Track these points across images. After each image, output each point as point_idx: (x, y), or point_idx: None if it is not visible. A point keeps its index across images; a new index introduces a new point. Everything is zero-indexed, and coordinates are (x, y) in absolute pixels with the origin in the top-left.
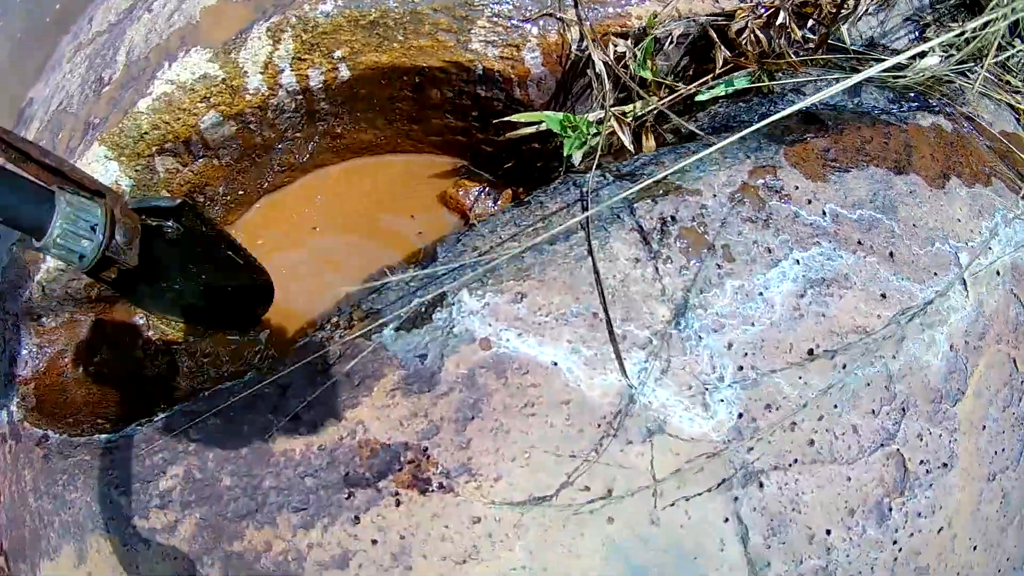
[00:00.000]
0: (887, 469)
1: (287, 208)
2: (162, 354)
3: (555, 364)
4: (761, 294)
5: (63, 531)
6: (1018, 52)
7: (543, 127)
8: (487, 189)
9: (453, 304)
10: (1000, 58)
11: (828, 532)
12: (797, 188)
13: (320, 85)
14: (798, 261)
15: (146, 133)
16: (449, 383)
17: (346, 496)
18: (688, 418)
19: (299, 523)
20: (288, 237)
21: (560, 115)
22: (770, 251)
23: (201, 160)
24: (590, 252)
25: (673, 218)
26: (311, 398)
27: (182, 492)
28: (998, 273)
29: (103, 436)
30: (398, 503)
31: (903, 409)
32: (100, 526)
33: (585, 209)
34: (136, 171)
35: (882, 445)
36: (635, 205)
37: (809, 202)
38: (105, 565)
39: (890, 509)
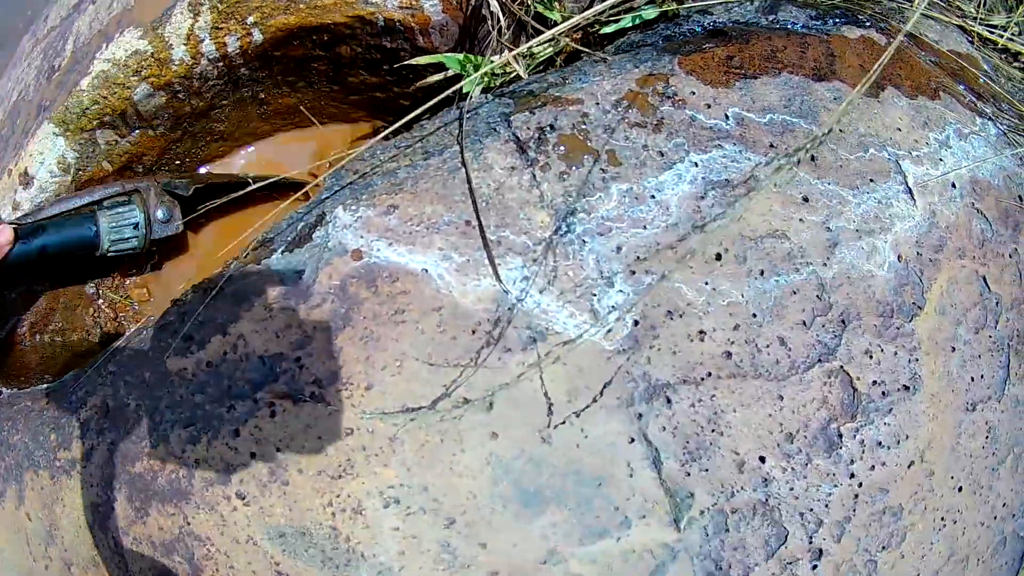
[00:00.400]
0: (830, 389)
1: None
2: (110, 320)
3: (425, 271)
4: (653, 196)
5: (7, 475)
6: None
7: (449, 73)
8: None
9: (329, 222)
10: None
11: (762, 459)
12: (694, 94)
13: (237, 51)
14: (696, 164)
15: (87, 108)
16: (322, 295)
17: (227, 409)
18: (574, 325)
19: (187, 438)
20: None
21: (460, 56)
22: (662, 154)
23: (137, 131)
24: (463, 162)
25: (552, 127)
26: (197, 317)
27: (98, 421)
28: (953, 185)
29: (44, 385)
30: (272, 414)
31: (843, 321)
32: (34, 463)
33: (461, 125)
34: (80, 144)
35: (820, 361)
36: (512, 117)
37: (708, 107)
38: (38, 500)
39: (840, 435)
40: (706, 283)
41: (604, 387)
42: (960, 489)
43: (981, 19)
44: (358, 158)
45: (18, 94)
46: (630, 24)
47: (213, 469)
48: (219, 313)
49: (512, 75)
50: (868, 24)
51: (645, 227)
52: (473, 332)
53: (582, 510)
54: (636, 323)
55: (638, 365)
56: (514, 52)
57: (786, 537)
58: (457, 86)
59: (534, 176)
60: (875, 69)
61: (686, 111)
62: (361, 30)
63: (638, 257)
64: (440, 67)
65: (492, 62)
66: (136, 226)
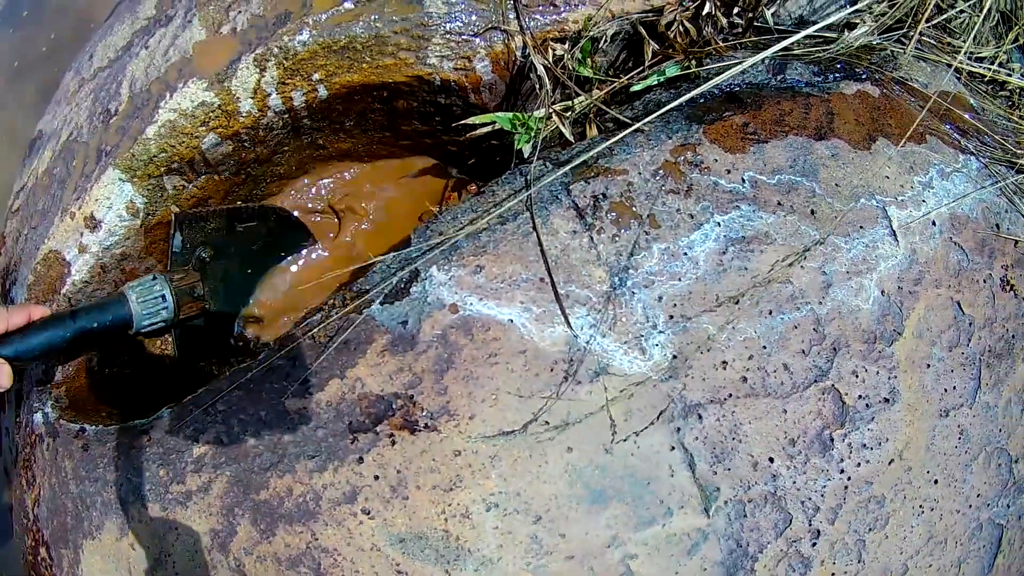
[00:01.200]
0: (823, 403)
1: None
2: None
3: (511, 321)
4: (686, 254)
5: (105, 509)
6: (960, 13)
7: (496, 126)
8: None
9: (425, 279)
10: (939, 19)
11: (771, 460)
12: (716, 160)
13: (302, 104)
14: (719, 223)
15: (154, 156)
16: (426, 342)
17: (351, 441)
18: (628, 360)
19: (314, 468)
20: None
21: (510, 115)
22: (692, 216)
23: (203, 176)
24: (534, 228)
25: (604, 195)
26: (316, 364)
27: (213, 456)
28: (933, 223)
29: (138, 421)
30: (393, 443)
31: (834, 348)
32: (140, 497)
33: (529, 197)
34: (148, 190)
35: (815, 381)
36: (571, 187)
37: (728, 172)
38: (145, 531)
39: (831, 439)
40: (727, 323)
41: (651, 408)
42: (936, 482)
43: (972, 52)
44: (441, 221)
45: (69, 134)
46: (655, 83)
47: (340, 491)
48: (333, 360)
49: (555, 128)
50: (864, 77)
51: (680, 279)
52: (551, 370)
53: (636, 504)
54: (674, 357)
55: (676, 390)
56: (556, 109)
57: (791, 521)
58: (503, 136)
59: (591, 239)
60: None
61: (710, 177)
62: (419, 88)
63: (674, 304)
64: (471, 126)
65: (539, 120)
66: (164, 298)
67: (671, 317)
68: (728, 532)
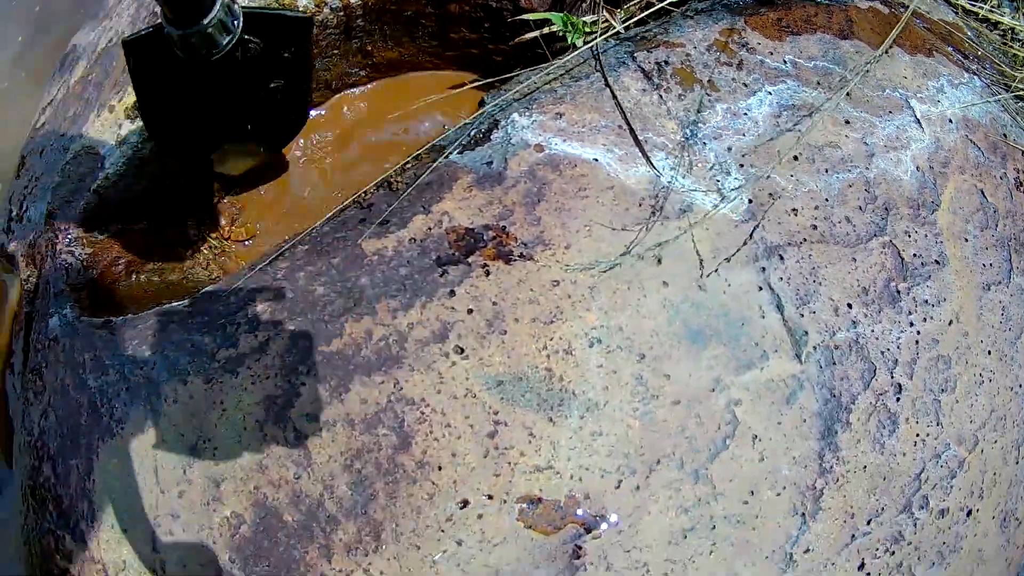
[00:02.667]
0: (885, 256)
1: (324, 121)
2: (211, 262)
3: (596, 160)
4: (746, 114)
5: (131, 397)
6: None
7: (545, 30)
8: None
9: (507, 125)
10: None
11: (849, 306)
12: (759, 44)
13: (359, 2)
14: (770, 93)
15: None
16: (514, 177)
17: (440, 275)
18: (710, 201)
19: (398, 306)
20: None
21: (562, 14)
22: (746, 85)
23: None
24: (606, 83)
25: (666, 62)
26: (396, 204)
27: (272, 313)
28: (950, 120)
29: (178, 302)
30: (487, 273)
31: (886, 208)
32: (178, 373)
33: (596, 58)
34: None
35: (875, 235)
36: (635, 55)
37: (771, 53)
38: (183, 413)
39: (898, 291)
40: (791, 175)
41: (736, 246)
42: (989, 353)
43: None
44: (516, 81)
45: (108, 40)
46: None
47: (429, 330)
48: (414, 199)
49: (604, 31)
50: None
51: (744, 135)
52: (639, 205)
53: (733, 345)
54: (750, 201)
55: (757, 231)
56: (606, 7)
57: (875, 372)
58: (546, 30)
59: (660, 96)
60: (892, 35)
61: (756, 56)
62: None
63: (743, 155)
64: (539, 25)
65: (589, 20)
66: (234, 28)
67: (741, 166)
68: (820, 380)
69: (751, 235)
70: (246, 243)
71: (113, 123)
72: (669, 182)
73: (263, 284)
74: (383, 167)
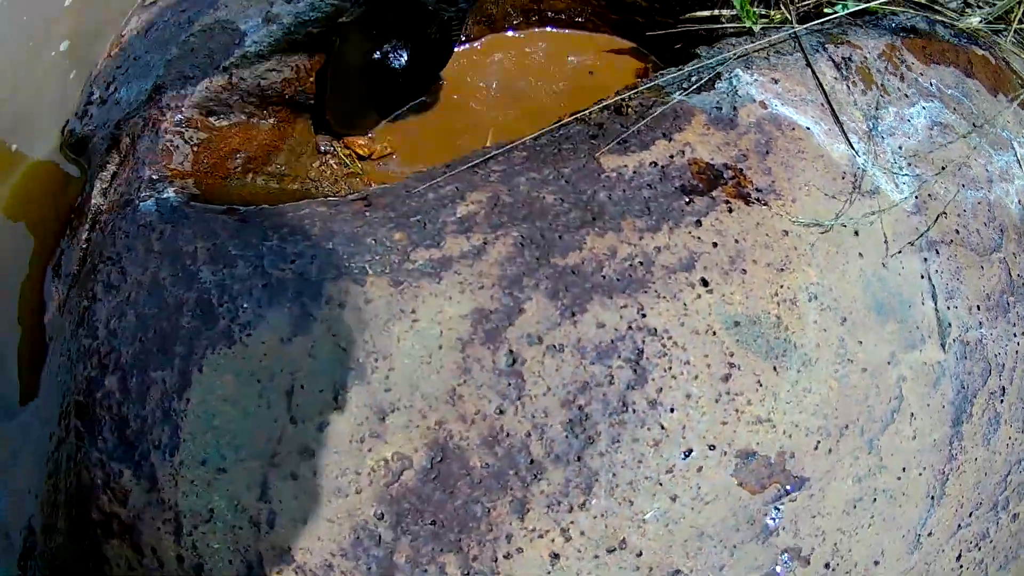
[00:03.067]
0: (1001, 273)
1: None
2: (340, 177)
3: (808, 128)
4: (909, 120)
5: (270, 295)
6: None
7: (716, 12)
8: None
9: (731, 77)
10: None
11: (977, 308)
12: (914, 64)
13: None
14: (924, 107)
15: None
16: (745, 126)
17: (686, 202)
18: (889, 189)
19: (644, 227)
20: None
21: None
22: (907, 96)
23: None
24: (808, 63)
25: (850, 58)
26: (636, 126)
27: (489, 215)
28: None
29: (355, 193)
30: (730, 210)
31: (1001, 229)
32: (348, 272)
33: (796, 40)
34: None
35: (995, 250)
36: (826, 45)
37: (922, 74)
38: (352, 320)
39: (1008, 303)
40: (940, 182)
41: (909, 234)
42: None
43: None
44: (728, 43)
45: None
46: (842, 11)
47: (676, 256)
48: (654, 125)
49: (774, 22)
50: (984, 47)
51: (909, 138)
52: (843, 178)
53: (903, 325)
54: (916, 197)
55: (922, 224)
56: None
57: (990, 372)
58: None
59: (848, 87)
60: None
61: (913, 73)
62: None
63: (910, 155)
64: (708, 5)
65: (759, 11)
66: None
67: (908, 164)
68: (956, 371)
69: (928, 229)
70: (381, 164)
71: None
72: (863, 164)
73: (472, 183)
74: (532, 115)
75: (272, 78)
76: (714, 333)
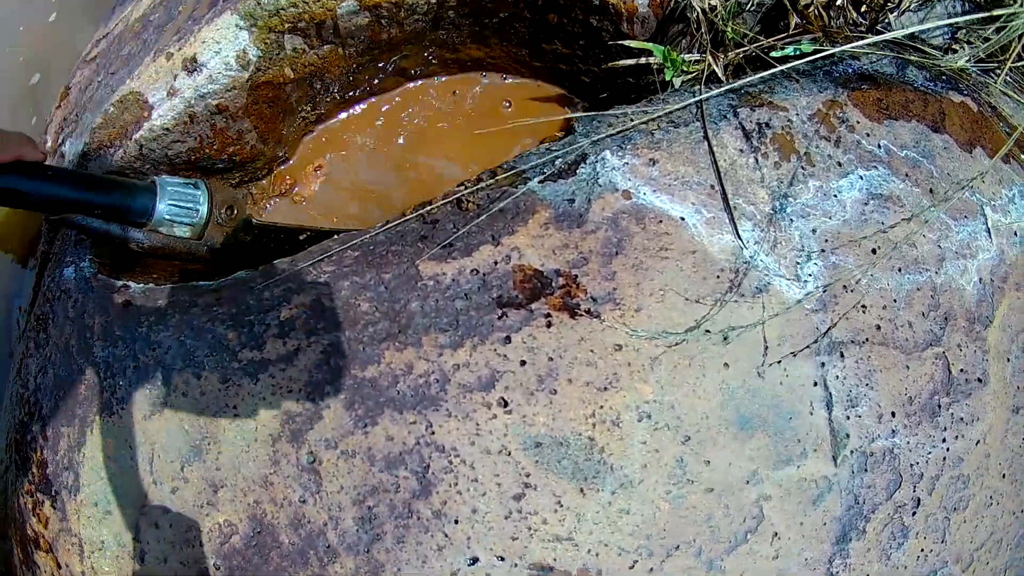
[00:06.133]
0: (936, 368)
1: (390, 112)
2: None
3: (682, 219)
4: (836, 195)
5: (137, 377)
6: None
7: (642, 60)
8: None
9: (597, 161)
10: (1020, 64)
11: (893, 415)
12: (859, 123)
13: None
14: (861, 177)
15: (283, 8)
16: (596, 223)
17: (498, 316)
18: (786, 283)
19: (447, 343)
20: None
21: (663, 47)
22: (840, 164)
23: (328, 46)
24: (705, 136)
25: (768, 124)
26: (466, 227)
27: (308, 320)
28: (1015, 233)
29: (205, 282)
30: (549, 324)
31: (946, 318)
32: (193, 364)
33: (699, 106)
34: (265, 44)
35: (931, 344)
36: (738, 110)
37: (868, 135)
38: (189, 407)
39: (939, 406)
40: (865, 268)
41: (802, 337)
42: (1004, 476)
43: None
44: (611, 114)
45: None
46: (791, 53)
47: (475, 375)
48: (486, 225)
49: (702, 72)
50: (965, 92)
51: (830, 217)
52: (717, 276)
53: (777, 438)
54: (824, 290)
55: (824, 324)
56: (711, 49)
57: (900, 484)
58: (665, 80)
59: (756, 160)
60: (1006, 147)
61: (855, 135)
62: (577, 4)
63: (826, 239)
64: (638, 54)
65: (686, 62)
66: (196, 207)
67: (822, 251)
68: (849, 486)
69: (824, 333)
70: (293, 198)
71: (168, 72)
72: (751, 257)
73: (302, 284)
74: (447, 169)
75: (177, 148)
76: (509, 453)
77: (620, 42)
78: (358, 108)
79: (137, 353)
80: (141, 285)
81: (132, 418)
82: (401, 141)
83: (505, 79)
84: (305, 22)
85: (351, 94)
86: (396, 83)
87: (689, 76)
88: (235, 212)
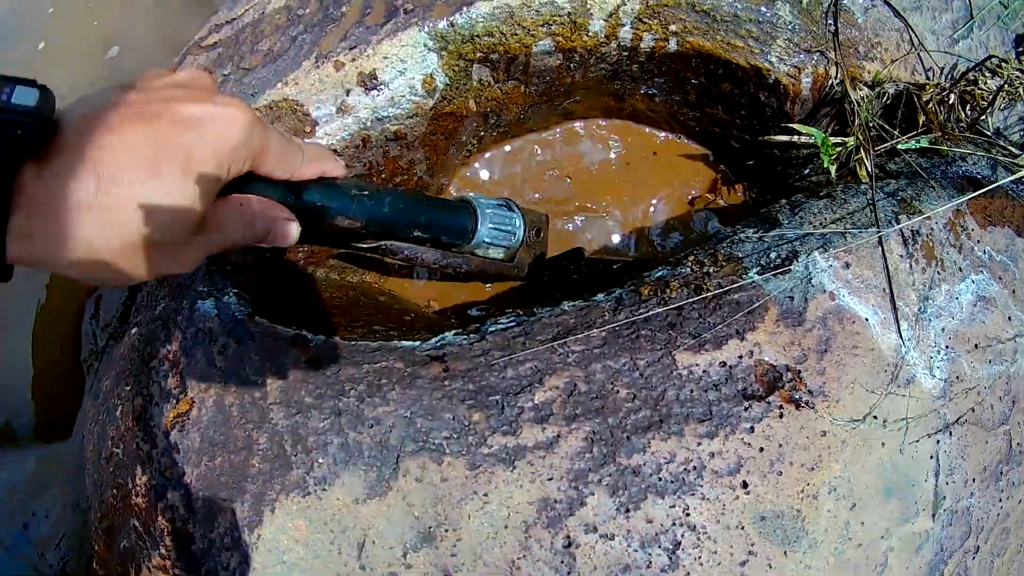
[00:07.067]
0: (1004, 442)
1: (550, 149)
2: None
3: (867, 320)
4: (956, 298)
5: (347, 456)
6: None
7: (795, 138)
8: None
9: (807, 261)
10: None
11: (973, 480)
12: (973, 230)
13: (648, 48)
14: (973, 281)
15: (478, 36)
16: (812, 321)
17: (744, 408)
18: (923, 376)
19: (704, 432)
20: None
21: (822, 133)
22: (960, 270)
23: (513, 81)
24: (880, 245)
25: (918, 232)
26: (717, 320)
27: (564, 405)
28: None
29: (409, 343)
30: (781, 416)
31: (1013, 402)
32: (431, 448)
33: (874, 212)
34: (454, 71)
35: (1003, 423)
36: (899, 216)
37: (979, 241)
38: (425, 493)
39: (1001, 473)
40: (971, 362)
41: (929, 420)
42: None
43: None
44: (811, 209)
45: None
46: (914, 147)
47: (726, 461)
48: (730, 319)
49: (847, 155)
50: None
51: (952, 317)
52: (884, 371)
53: (904, 502)
54: (945, 381)
55: (943, 409)
56: (863, 142)
57: (969, 534)
58: (824, 165)
59: (911, 266)
60: None
61: (970, 241)
62: (752, 78)
63: (950, 337)
64: (788, 131)
65: (842, 147)
66: (514, 230)
67: (947, 347)
68: (939, 537)
69: (948, 424)
70: None
71: (338, 83)
72: (905, 353)
73: (551, 364)
74: (607, 210)
75: (346, 172)
76: (743, 528)
77: (787, 124)
78: (518, 142)
79: (345, 428)
80: (325, 338)
81: (337, 501)
82: (558, 177)
83: (655, 131)
84: (499, 54)
85: (516, 130)
86: (557, 122)
87: (833, 156)
88: (541, 234)
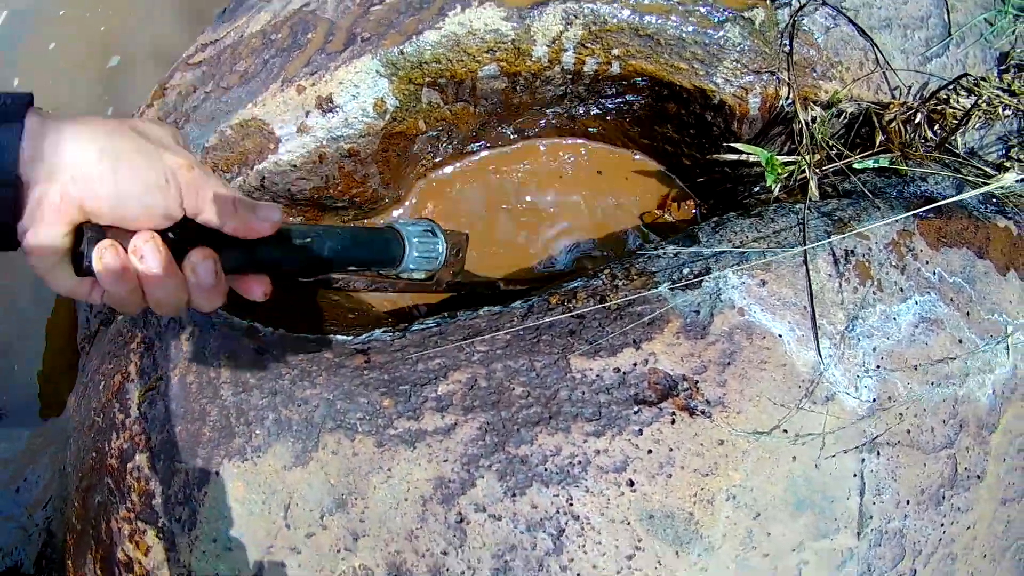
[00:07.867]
0: (946, 466)
1: (505, 166)
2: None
3: (780, 336)
4: (894, 319)
5: (279, 429)
6: None
7: (743, 157)
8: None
9: (719, 278)
10: None
11: (908, 502)
12: (921, 251)
13: (591, 72)
14: (916, 302)
15: (426, 63)
16: (715, 335)
17: (634, 412)
18: (846, 394)
19: (591, 431)
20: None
21: (768, 152)
22: (902, 291)
23: (462, 103)
24: (805, 263)
25: (853, 252)
26: (613, 330)
27: (464, 397)
28: None
29: (343, 336)
30: (673, 421)
31: (960, 425)
32: (345, 426)
33: (803, 230)
34: (404, 95)
35: (945, 447)
36: (832, 236)
37: (927, 262)
38: (339, 466)
39: (943, 497)
40: (907, 383)
41: (852, 438)
42: (984, 556)
43: None
44: (727, 228)
45: (303, 4)
46: (871, 166)
47: (612, 459)
48: (628, 328)
49: (795, 178)
50: (1011, 216)
51: (888, 338)
52: (798, 386)
53: (820, 517)
54: (874, 400)
55: (869, 428)
56: (809, 161)
57: (903, 557)
58: (766, 184)
59: (840, 285)
60: None
61: (917, 263)
62: (697, 99)
63: (882, 357)
64: (736, 151)
65: (787, 166)
66: (437, 250)
67: (877, 367)
68: (866, 556)
69: (875, 443)
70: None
71: (299, 106)
72: (824, 370)
73: (457, 360)
74: (559, 221)
75: (302, 185)
76: (628, 523)
77: (731, 144)
78: (475, 158)
79: (279, 406)
80: (274, 330)
81: (268, 467)
82: (512, 193)
83: (607, 147)
84: (446, 79)
85: (470, 147)
86: (510, 141)
87: (782, 175)
88: (460, 254)
